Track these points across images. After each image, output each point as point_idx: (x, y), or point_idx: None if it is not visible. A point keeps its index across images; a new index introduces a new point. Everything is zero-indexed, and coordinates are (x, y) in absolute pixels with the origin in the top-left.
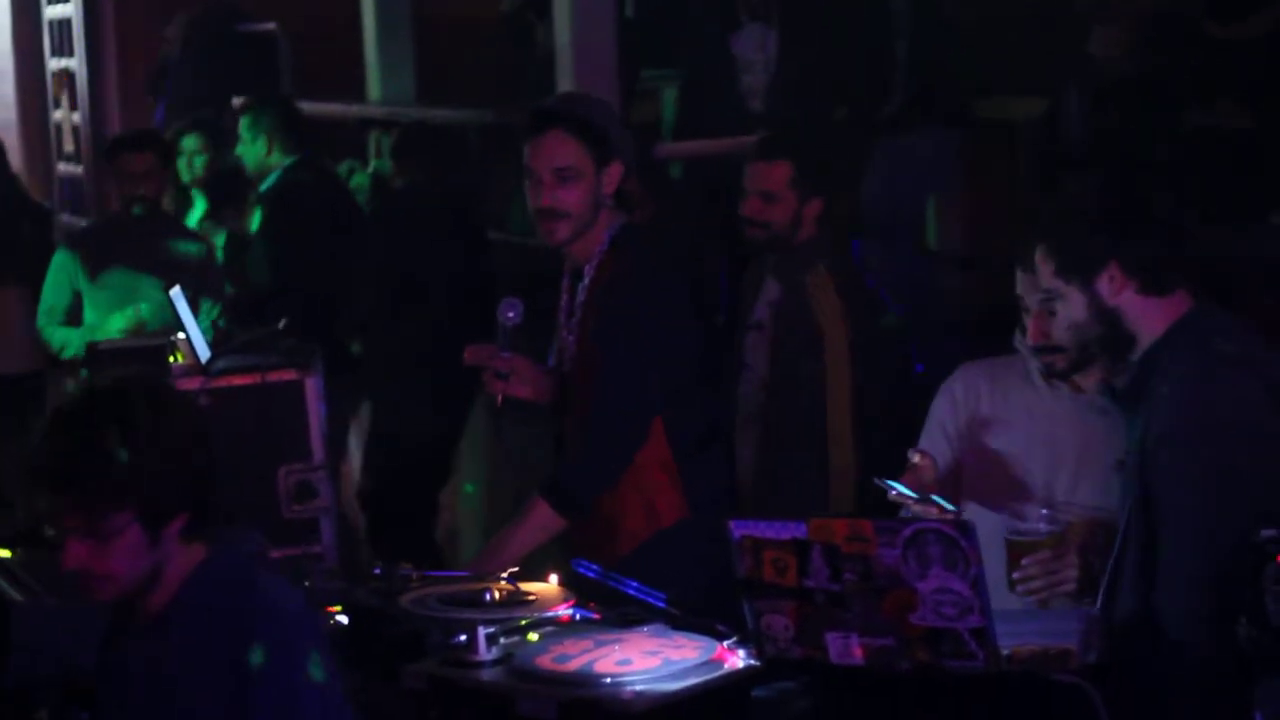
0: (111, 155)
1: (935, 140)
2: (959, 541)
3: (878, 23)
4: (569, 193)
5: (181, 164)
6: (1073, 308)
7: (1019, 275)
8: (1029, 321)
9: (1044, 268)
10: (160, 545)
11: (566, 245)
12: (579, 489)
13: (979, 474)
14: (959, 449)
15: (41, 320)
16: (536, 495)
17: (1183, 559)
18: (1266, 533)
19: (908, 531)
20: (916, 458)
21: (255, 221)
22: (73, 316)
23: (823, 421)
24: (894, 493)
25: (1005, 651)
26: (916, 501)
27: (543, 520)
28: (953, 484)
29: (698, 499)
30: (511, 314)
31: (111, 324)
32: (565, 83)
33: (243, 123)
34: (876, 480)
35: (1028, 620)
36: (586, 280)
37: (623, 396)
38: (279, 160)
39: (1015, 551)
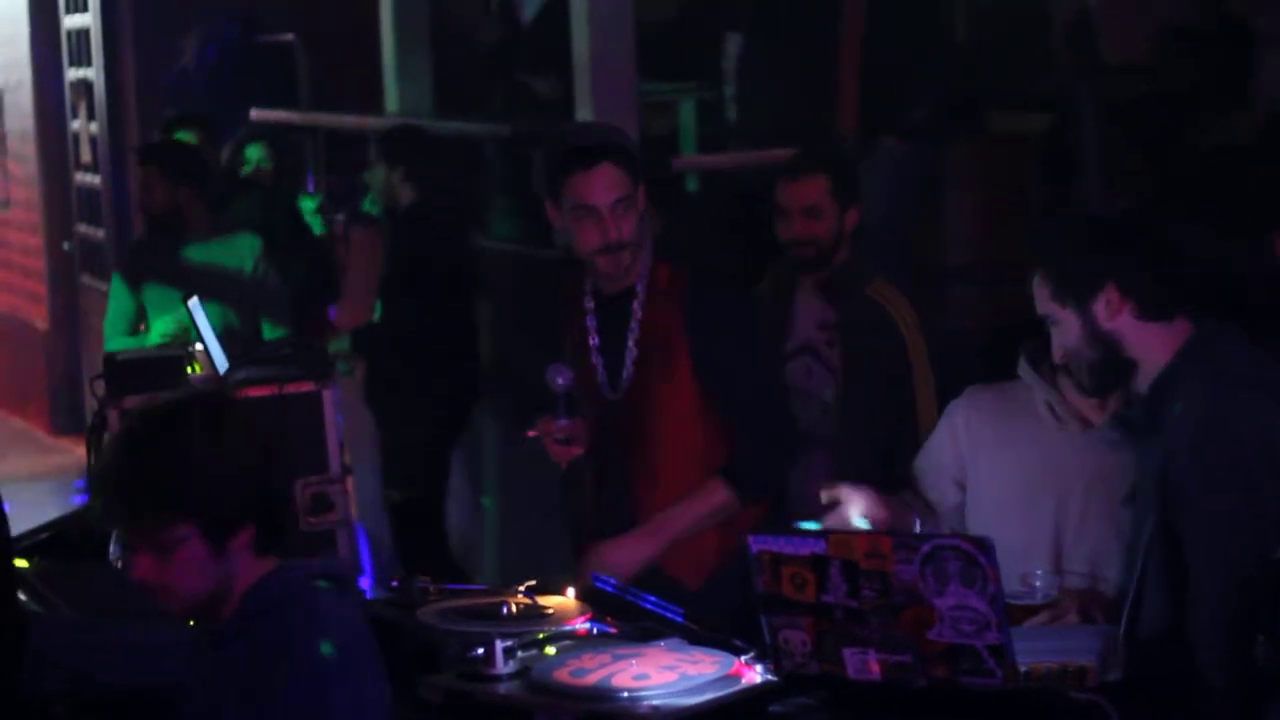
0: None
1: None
2: (977, 558)
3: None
4: (627, 223)
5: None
6: (1067, 333)
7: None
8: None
9: (1041, 291)
10: (227, 559)
11: (617, 271)
12: (757, 473)
13: (982, 504)
14: (961, 477)
15: (107, 332)
16: (716, 477)
17: (1212, 583)
18: None
19: (926, 548)
20: (825, 498)
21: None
22: (137, 328)
23: (912, 430)
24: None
25: (1023, 669)
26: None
27: (721, 500)
28: (957, 512)
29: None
30: (561, 380)
31: (156, 329)
32: (583, 95)
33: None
34: (797, 524)
35: (1046, 638)
36: (641, 295)
37: (777, 398)
38: None
39: (1016, 614)
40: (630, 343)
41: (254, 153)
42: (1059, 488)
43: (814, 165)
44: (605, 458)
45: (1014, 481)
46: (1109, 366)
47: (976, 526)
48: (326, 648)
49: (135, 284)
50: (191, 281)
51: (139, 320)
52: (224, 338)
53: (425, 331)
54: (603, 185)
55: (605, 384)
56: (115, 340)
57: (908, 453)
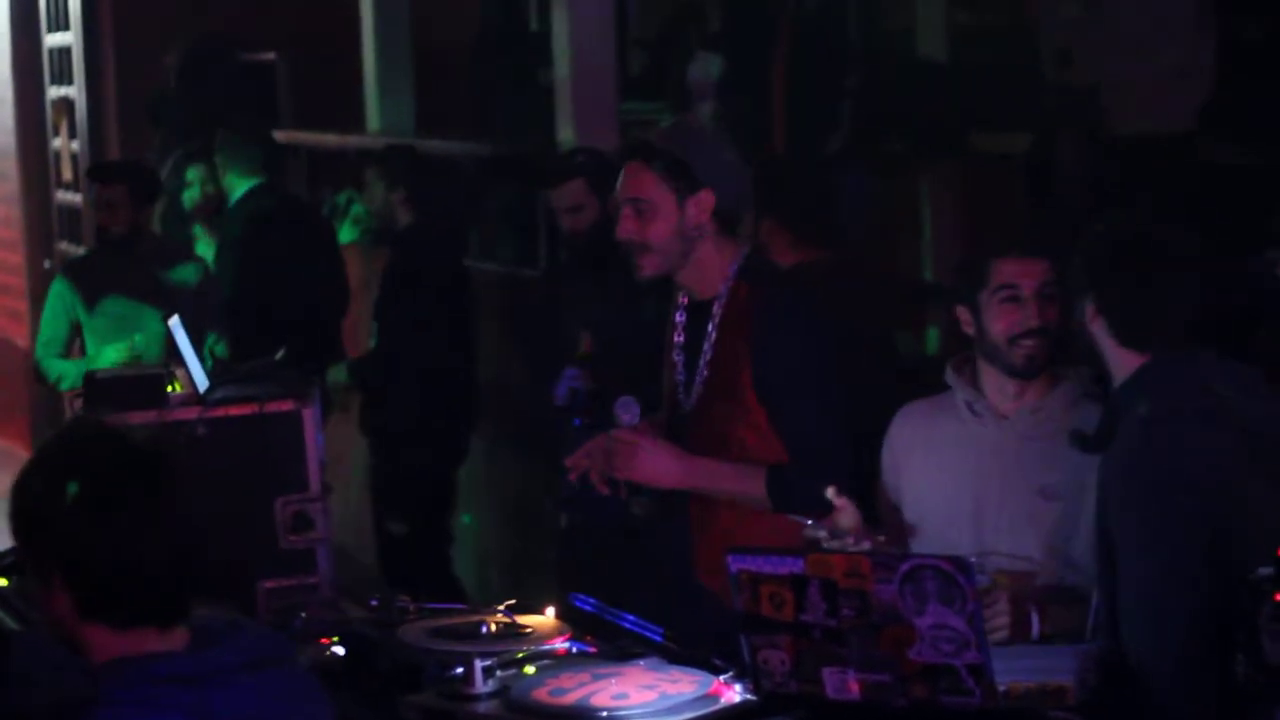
0: (90, 180)
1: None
2: (956, 578)
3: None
4: (649, 226)
5: (186, 194)
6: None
7: (1007, 264)
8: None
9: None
10: (50, 601)
11: (654, 278)
12: (793, 489)
13: (913, 509)
14: (896, 488)
15: (39, 351)
16: (761, 473)
17: (1134, 600)
18: (1263, 571)
19: (905, 567)
20: (832, 495)
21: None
22: (71, 347)
23: None
24: (808, 525)
25: (1001, 688)
26: (831, 537)
27: (754, 491)
28: (896, 522)
29: None
30: (627, 416)
31: (106, 355)
32: (565, 115)
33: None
34: (792, 516)
35: (1024, 657)
36: (717, 313)
37: (827, 423)
38: (239, 183)
39: None
40: (704, 357)
41: (194, 174)
42: (978, 480)
43: None
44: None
45: (939, 479)
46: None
47: (911, 524)
48: None
49: (74, 302)
50: (141, 298)
51: (73, 341)
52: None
53: (423, 354)
54: (625, 182)
55: (682, 390)
56: (50, 361)
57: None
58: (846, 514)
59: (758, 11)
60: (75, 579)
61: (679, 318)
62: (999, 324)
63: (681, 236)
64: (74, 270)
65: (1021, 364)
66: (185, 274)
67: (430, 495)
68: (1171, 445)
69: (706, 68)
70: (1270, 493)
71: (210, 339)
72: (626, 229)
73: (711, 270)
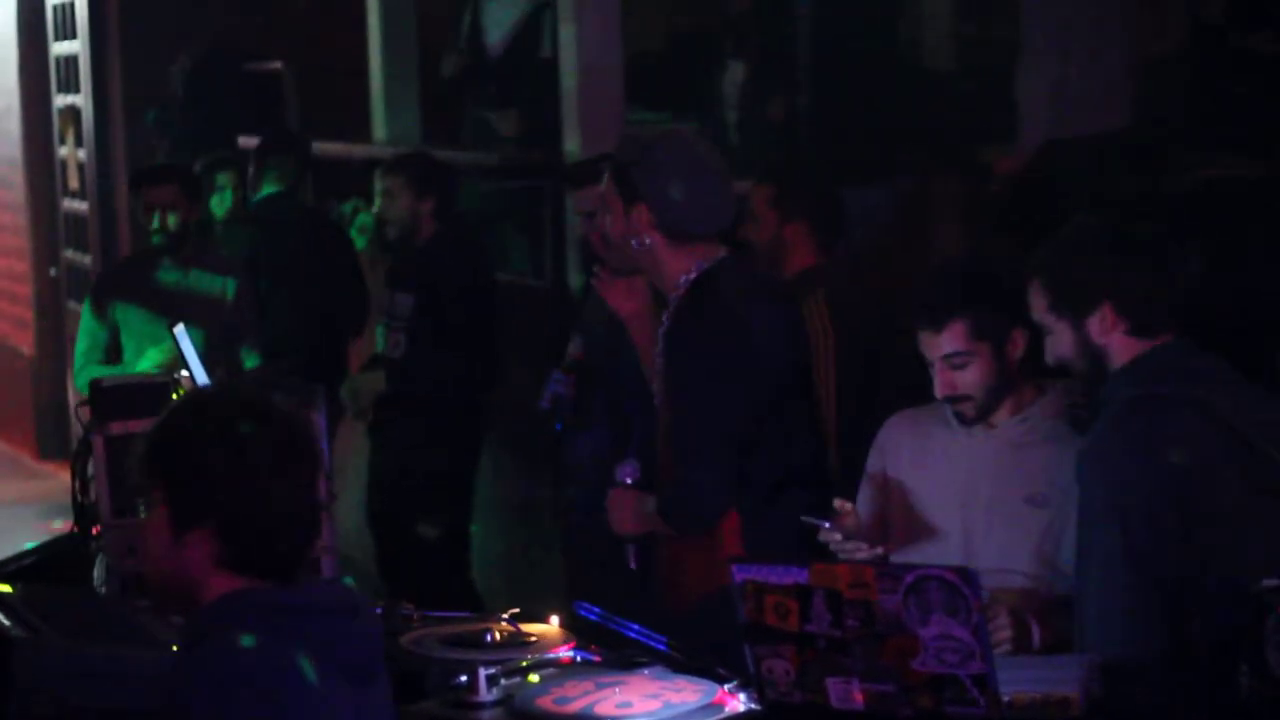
0: (135, 187)
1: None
2: (961, 588)
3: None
4: (607, 225)
5: (216, 199)
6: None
7: (920, 335)
8: (935, 375)
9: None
10: (183, 549)
11: (618, 266)
12: (679, 507)
13: (901, 520)
14: (884, 497)
15: (79, 363)
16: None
17: (1093, 592)
18: (1268, 583)
19: (910, 578)
20: (839, 504)
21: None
22: (110, 351)
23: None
24: (825, 528)
25: (1006, 698)
26: (845, 539)
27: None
28: (880, 531)
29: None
30: (624, 472)
31: (147, 359)
32: (571, 125)
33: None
34: (804, 518)
35: (1028, 667)
36: (665, 320)
37: (704, 432)
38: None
39: None
40: (659, 359)
41: (224, 179)
42: (966, 489)
43: (765, 175)
44: (649, 467)
45: (926, 488)
46: (1093, 376)
47: (898, 534)
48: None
49: (108, 310)
50: (171, 306)
51: (114, 348)
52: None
53: (448, 363)
54: (605, 182)
55: (656, 387)
56: (88, 371)
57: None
58: (850, 518)
59: (784, 21)
60: (230, 535)
61: (665, 317)
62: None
63: (625, 240)
64: (104, 282)
65: (959, 420)
66: (217, 284)
67: (447, 502)
68: (1143, 425)
69: (736, 78)
70: (1245, 491)
71: (244, 352)
72: (599, 222)
73: (670, 273)
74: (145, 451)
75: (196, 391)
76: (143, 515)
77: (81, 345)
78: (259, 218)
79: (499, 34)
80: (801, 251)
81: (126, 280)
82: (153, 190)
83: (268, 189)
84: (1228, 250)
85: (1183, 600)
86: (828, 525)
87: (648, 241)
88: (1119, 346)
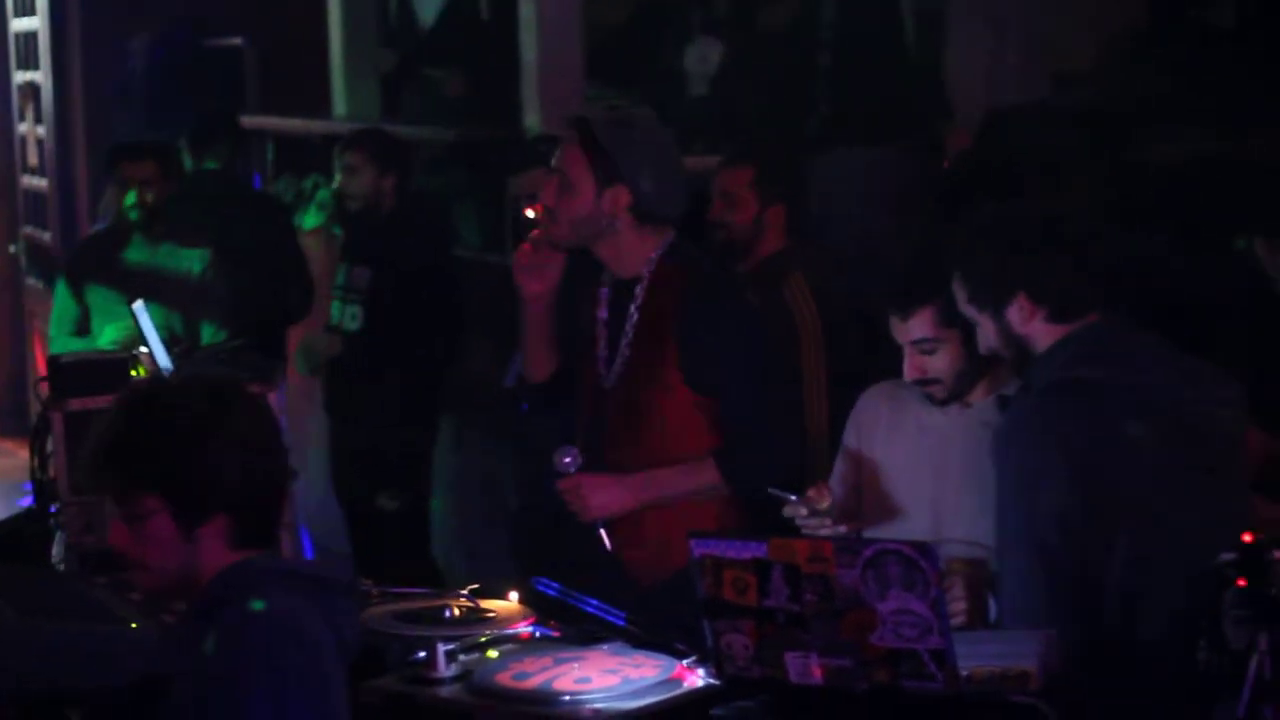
0: (112, 163)
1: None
2: (918, 562)
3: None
4: (564, 200)
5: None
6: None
7: (890, 319)
8: (904, 359)
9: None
10: (196, 544)
11: (564, 244)
12: (747, 465)
13: (873, 493)
14: (858, 470)
15: (53, 331)
16: (708, 458)
17: (1007, 576)
18: (1225, 556)
19: (868, 552)
20: (811, 492)
21: None
22: (81, 326)
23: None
24: (791, 500)
25: (964, 673)
26: (810, 514)
27: (708, 480)
28: (855, 504)
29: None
30: (568, 461)
31: (105, 336)
32: (531, 99)
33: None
34: (771, 490)
35: (986, 642)
36: (639, 296)
37: (774, 398)
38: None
39: None
40: (625, 336)
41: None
42: (937, 465)
43: (741, 154)
44: (594, 448)
45: (901, 460)
46: (1022, 363)
47: (870, 508)
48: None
49: (79, 286)
50: (137, 284)
51: (84, 322)
52: (166, 342)
53: (406, 337)
54: (560, 151)
55: (604, 367)
56: (61, 341)
57: (790, 459)
58: (825, 499)
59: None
60: (243, 514)
61: (603, 295)
62: None
63: (595, 220)
64: (74, 259)
65: (931, 401)
66: (190, 260)
67: (404, 477)
68: (1050, 412)
69: (705, 53)
70: (1178, 469)
71: (202, 326)
72: (546, 195)
73: (631, 254)
74: (122, 464)
75: (150, 392)
76: (131, 525)
77: (55, 315)
78: (193, 194)
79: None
80: (775, 235)
81: (96, 257)
82: (131, 166)
83: (205, 165)
84: (1187, 225)
85: (1116, 583)
86: (794, 499)
87: (618, 226)
88: (1040, 333)
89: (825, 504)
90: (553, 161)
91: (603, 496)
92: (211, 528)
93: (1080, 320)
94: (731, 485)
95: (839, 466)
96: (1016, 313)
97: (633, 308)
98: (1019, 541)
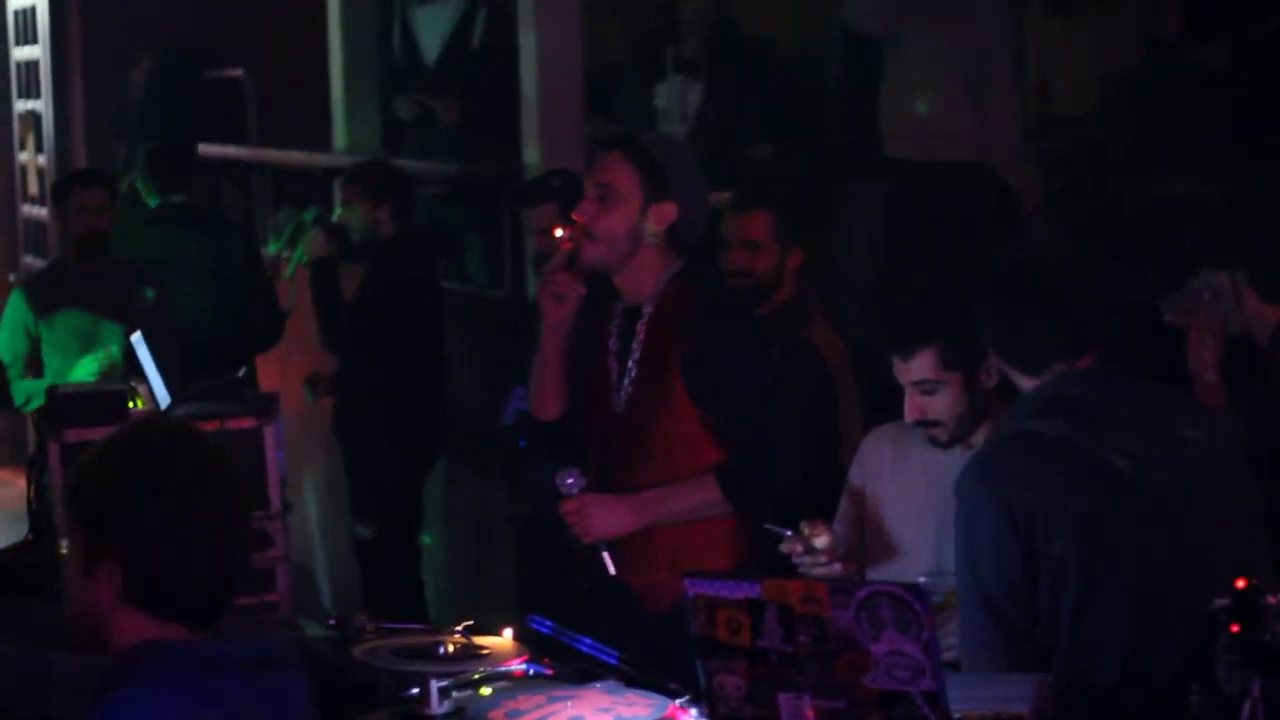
0: (62, 193)
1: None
2: (912, 605)
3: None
4: (605, 215)
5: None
6: (951, 396)
7: (892, 359)
8: (905, 399)
9: (922, 361)
10: (92, 586)
11: (592, 265)
12: (748, 482)
13: (876, 533)
14: (862, 509)
15: (11, 373)
16: (708, 474)
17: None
18: (1219, 602)
19: (862, 594)
20: (807, 529)
21: None
22: (32, 363)
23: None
24: (787, 537)
25: (957, 716)
26: (806, 551)
27: (708, 497)
28: (858, 543)
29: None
30: (570, 481)
31: (83, 367)
32: (531, 134)
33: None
34: (767, 525)
35: (979, 685)
36: (647, 313)
37: (778, 418)
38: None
39: None
40: (632, 356)
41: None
42: (941, 506)
43: (759, 200)
44: (605, 472)
45: (905, 500)
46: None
47: (875, 546)
48: None
49: (49, 313)
50: (98, 315)
51: (35, 362)
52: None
53: (399, 366)
54: (599, 166)
55: (615, 394)
56: (22, 385)
57: (830, 486)
58: (822, 535)
59: (741, 40)
60: (133, 567)
61: (615, 324)
62: None
63: (633, 236)
64: (30, 284)
65: (933, 443)
66: (144, 290)
67: (398, 509)
68: (984, 457)
69: (678, 92)
70: (1129, 522)
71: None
72: (584, 210)
73: (646, 276)
74: (66, 486)
75: (132, 428)
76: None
77: (6, 355)
78: (157, 220)
79: (434, 39)
80: (792, 279)
81: (53, 286)
82: (86, 194)
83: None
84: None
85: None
86: (789, 534)
87: (654, 242)
88: (1019, 380)
89: (822, 540)
90: (588, 180)
91: (605, 517)
92: (106, 566)
93: (1044, 372)
94: (731, 502)
95: (844, 505)
96: (984, 375)
97: (639, 326)
98: (966, 592)
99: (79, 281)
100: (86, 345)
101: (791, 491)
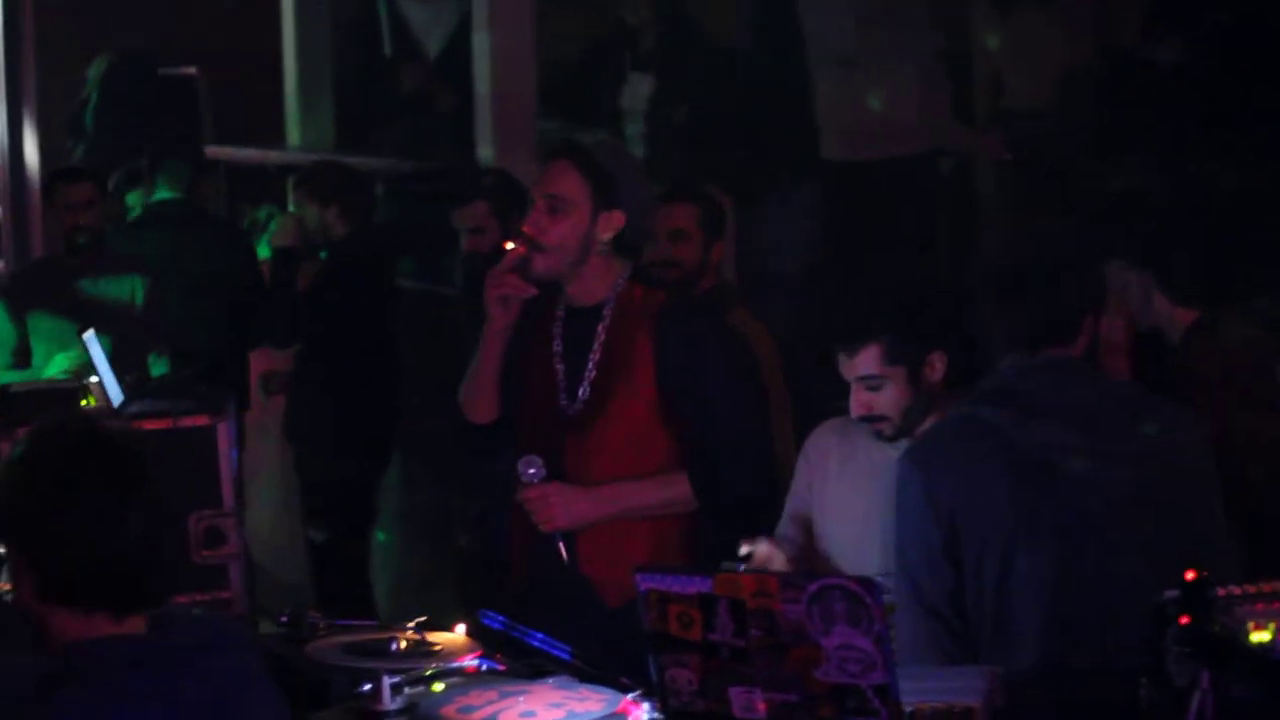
0: (50, 189)
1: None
2: (863, 598)
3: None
4: (555, 225)
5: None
6: (896, 391)
7: (837, 355)
8: (851, 394)
9: (867, 356)
10: (16, 582)
11: (544, 278)
12: (718, 481)
13: (825, 531)
14: (808, 502)
15: None
16: (680, 472)
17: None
18: (1169, 594)
19: (813, 587)
20: (745, 549)
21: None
22: (20, 359)
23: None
24: (740, 571)
25: (908, 709)
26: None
27: (678, 493)
28: (807, 539)
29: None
30: (533, 470)
31: (57, 362)
32: (484, 132)
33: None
34: (723, 565)
35: (930, 678)
36: (607, 315)
37: (750, 419)
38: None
39: None
40: (591, 359)
41: (135, 199)
42: (888, 500)
43: (685, 194)
44: (554, 472)
45: (852, 499)
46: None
47: (821, 541)
48: None
49: (23, 312)
50: (82, 312)
51: (23, 352)
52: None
53: (353, 365)
54: (547, 176)
55: (564, 395)
56: (4, 375)
57: (763, 473)
58: (776, 560)
59: (698, 37)
60: (38, 564)
61: (557, 326)
62: None
63: (584, 246)
64: (10, 285)
65: (879, 437)
66: (125, 288)
67: (352, 508)
68: (918, 441)
69: (637, 90)
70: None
71: (151, 359)
72: (533, 222)
73: (597, 281)
74: None
75: (29, 431)
76: None
77: None
78: (154, 221)
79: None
80: (714, 271)
81: (39, 283)
82: (72, 190)
83: (161, 194)
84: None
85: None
86: (741, 569)
87: (605, 250)
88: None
89: (777, 565)
90: (536, 191)
91: (567, 506)
92: (20, 564)
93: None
94: (703, 500)
95: (790, 503)
96: (928, 369)
97: (600, 328)
98: (897, 576)
99: (68, 277)
100: (71, 342)
101: (760, 492)
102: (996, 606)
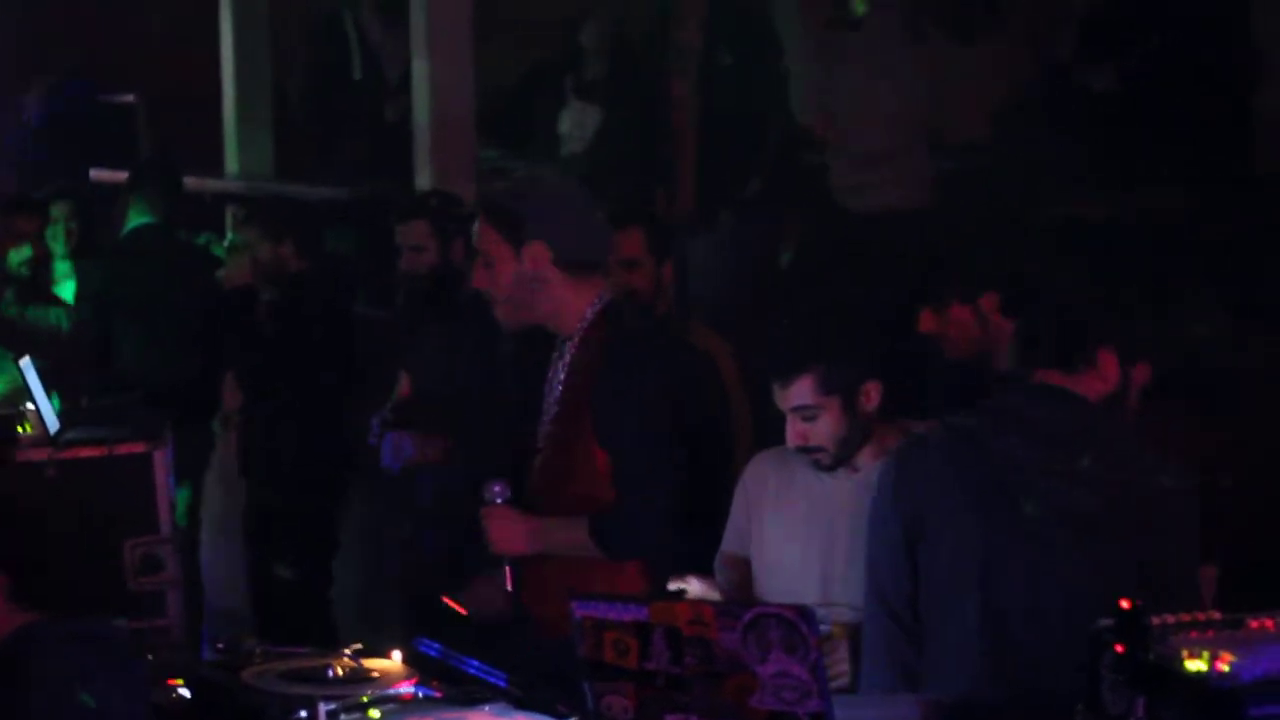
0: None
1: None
2: (799, 626)
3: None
4: (493, 277)
5: (51, 230)
6: (831, 421)
7: (773, 386)
8: (787, 425)
9: (801, 386)
10: None
11: (517, 327)
12: (617, 530)
13: (762, 561)
14: (746, 533)
15: None
16: (584, 519)
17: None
18: (1104, 622)
19: (748, 616)
20: (674, 586)
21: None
22: None
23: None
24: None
25: None
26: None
27: (581, 539)
28: (745, 570)
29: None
30: (497, 489)
31: None
32: (423, 159)
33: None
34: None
35: (865, 706)
36: (568, 354)
37: (655, 464)
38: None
39: None
40: (554, 393)
41: (58, 211)
42: (827, 530)
43: (630, 218)
44: (518, 497)
45: (791, 528)
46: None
47: (760, 573)
48: (87, 698)
49: None
50: (14, 339)
51: None
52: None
53: (310, 398)
54: (476, 236)
55: (534, 423)
56: None
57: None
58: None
59: (647, 65)
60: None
61: (556, 356)
62: None
63: (524, 284)
64: None
65: (817, 467)
66: (52, 316)
67: (314, 537)
68: (891, 467)
69: (580, 117)
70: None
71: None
72: (477, 279)
73: (568, 310)
74: None
75: None
76: None
77: None
78: (126, 250)
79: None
80: (666, 291)
81: None
82: (19, 220)
83: (136, 220)
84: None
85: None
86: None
87: (548, 279)
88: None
89: (694, 587)
90: (475, 245)
91: (502, 531)
92: None
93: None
94: (600, 548)
95: (726, 537)
96: (863, 398)
97: (561, 365)
98: (866, 582)
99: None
100: (5, 368)
101: (663, 542)
102: (941, 621)
